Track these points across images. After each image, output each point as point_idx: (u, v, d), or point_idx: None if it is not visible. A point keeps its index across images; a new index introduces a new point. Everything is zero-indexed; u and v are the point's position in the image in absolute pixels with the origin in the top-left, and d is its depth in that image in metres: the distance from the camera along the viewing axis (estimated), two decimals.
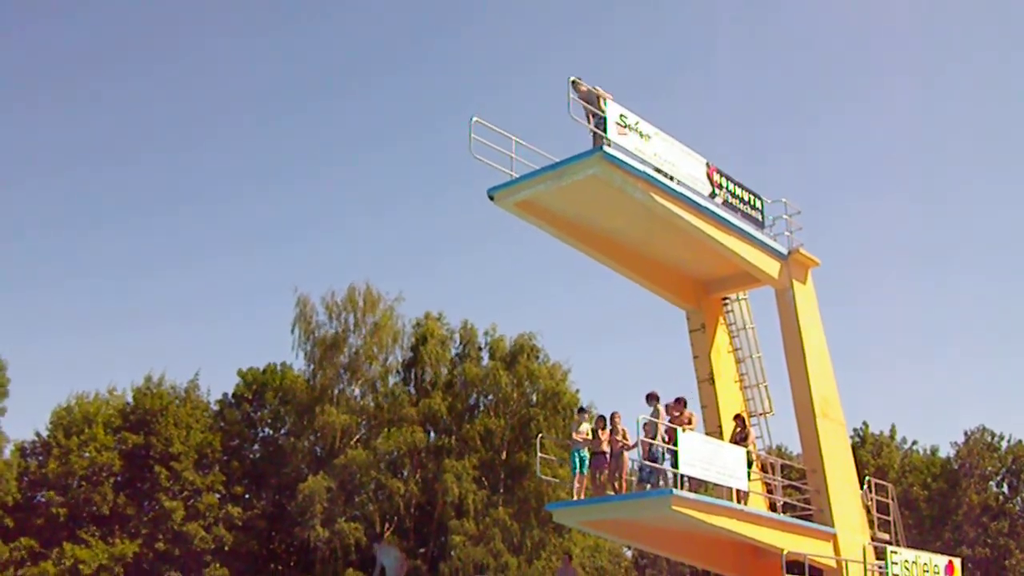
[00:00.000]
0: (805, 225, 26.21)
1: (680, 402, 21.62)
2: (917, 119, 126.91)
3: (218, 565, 56.17)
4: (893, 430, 67.27)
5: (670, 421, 20.83)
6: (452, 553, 53.23)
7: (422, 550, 56.84)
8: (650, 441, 20.61)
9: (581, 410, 24.81)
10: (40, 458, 58.29)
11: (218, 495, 58.76)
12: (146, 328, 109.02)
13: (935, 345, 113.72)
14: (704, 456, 20.60)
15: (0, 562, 52.66)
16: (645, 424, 20.67)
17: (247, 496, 61.40)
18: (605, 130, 20.66)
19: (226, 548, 57.12)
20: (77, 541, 54.06)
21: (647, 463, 20.70)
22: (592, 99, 21.19)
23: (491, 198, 22.14)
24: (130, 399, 60.76)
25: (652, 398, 21.36)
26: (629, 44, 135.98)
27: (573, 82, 21.16)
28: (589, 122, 21.09)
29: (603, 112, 20.86)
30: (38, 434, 59.47)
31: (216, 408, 63.25)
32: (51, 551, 53.68)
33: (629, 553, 67.57)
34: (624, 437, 21.72)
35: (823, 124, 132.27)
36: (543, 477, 28.13)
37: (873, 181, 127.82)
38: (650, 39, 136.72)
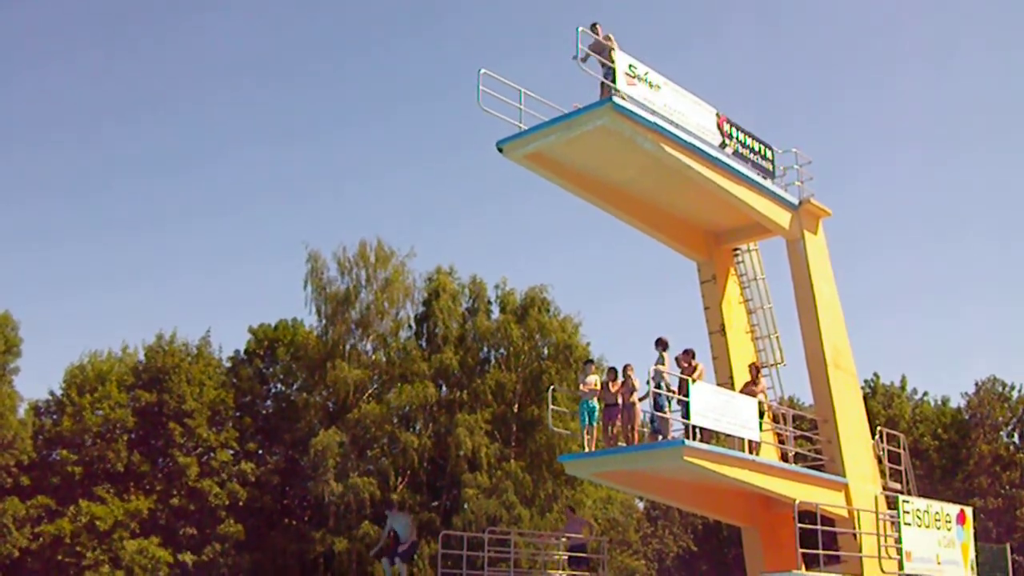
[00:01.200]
0: (819, 177, 26.09)
1: (689, 353, 21.58)
2: (937, 75, 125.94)
3: (232, 521, 56.60)
4: (904, 381, 67.31)
5: (680, 373, 20.81)
6: (465, 506, 53.53)
7: (435, 503, 57.14)
8: (659, 391, 20.61)
9: (588, 362, 24.85)
10: (54, 416, 58.69)
11: (231, 451, 59.16)
12: (157, 285, 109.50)
13: (945, 296, 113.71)
14: (716, 407, 20.60)
15: (17, 520, 53.14)
16: (655, 375, 20.67)
17: (260, 452, 61.79)
18: (614, 80, 20.52)
19: (240, 504, 57.56)
20: (92, 498, 54.54)
21: (659, 414, 20.72)
22: (602, 49, 21.03)
23: (500, 150, 22.06)
24: (142, 357, 61.05)
25: (660, 344, 21.33)
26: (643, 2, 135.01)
27: (593, 26, 21.09)
28: (601, 59, 20.86)
29: (612, 63, 20.74)
30: (52, 393, 59.91)
31: (228, 365, 63.52)
32: (67, 508, 54.18)
33: (641, 505, 67.89)
34: (635, 388, 21.73)
35: (841, 81, 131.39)
36: (555, 429, 28.09)
37: (888, 137, 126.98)
38: None
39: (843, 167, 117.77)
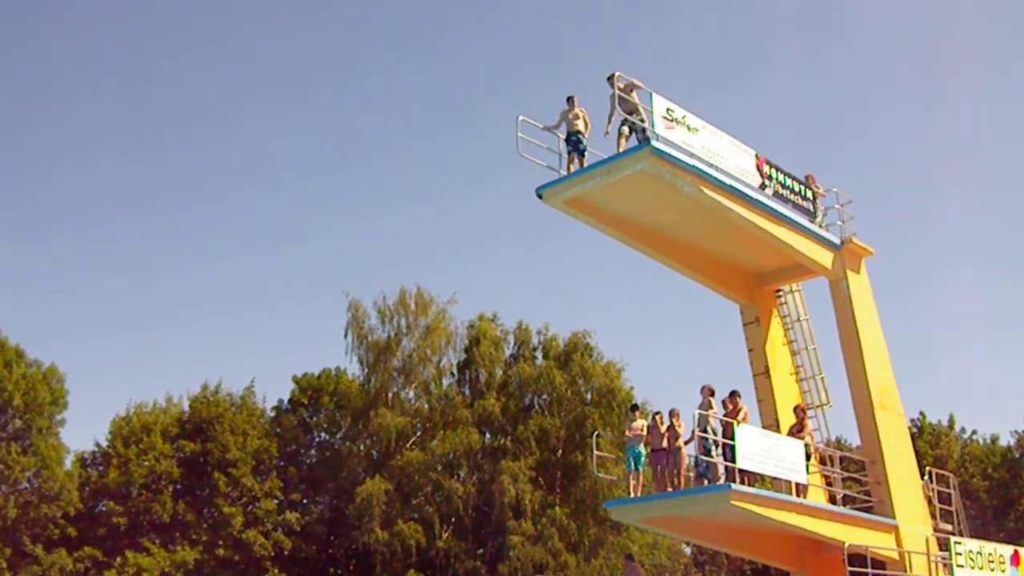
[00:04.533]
0: (863, 216, 25.96)
1: (734, 395, 21.47)
2: (983, 110, 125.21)
3: (278, 571, 56.59)
4: (952, 420, 66.42)
5: (724, 415, 20.68)
6: (511, 553, 53.22)
7: (480, 551, 56.87)
8: (706, 435, 20.48)
9: (634, 407, 24.71)
10: (100, 468, 59.07)
11: (276, 501, 59.19)
12: (201, 335, 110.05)
13: (993, 333, 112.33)
14: (762, 450, 20.43)
15: (65, 572, 53.36)
16: (701, 418, 20.55)
17: (305, 501, 61.82)
18: (652, 124, 20.57)
19: (285, 554, 57.55)
20: (139, 549, 54.65)
21: (704, 458, 20.57)
22: (630, 93, 21.27)
23: (540, 196, 22.07)
24: (187, 407, 61.40)
25: (706, 390, 21.23)
26: (683, 40, 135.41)
27: (610, 77, 21.38)
28: (627, 110, 21.14)
29: (633, 100, 21.16)
30: (98, 444, 60.34)
31: (272, 414, 63.76)
32: (114, 560, 54.31)
33: (688, 550, 67.24)
34: (681, 432, 21.60)
35: (884, 117, 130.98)
36: (599, 475, 27.99)
37: (934, 174, 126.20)
38: (705, 34, 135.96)
39: (889, 205, 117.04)
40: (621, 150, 21.13)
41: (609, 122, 21.35)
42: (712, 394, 21.26)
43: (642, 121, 20.98)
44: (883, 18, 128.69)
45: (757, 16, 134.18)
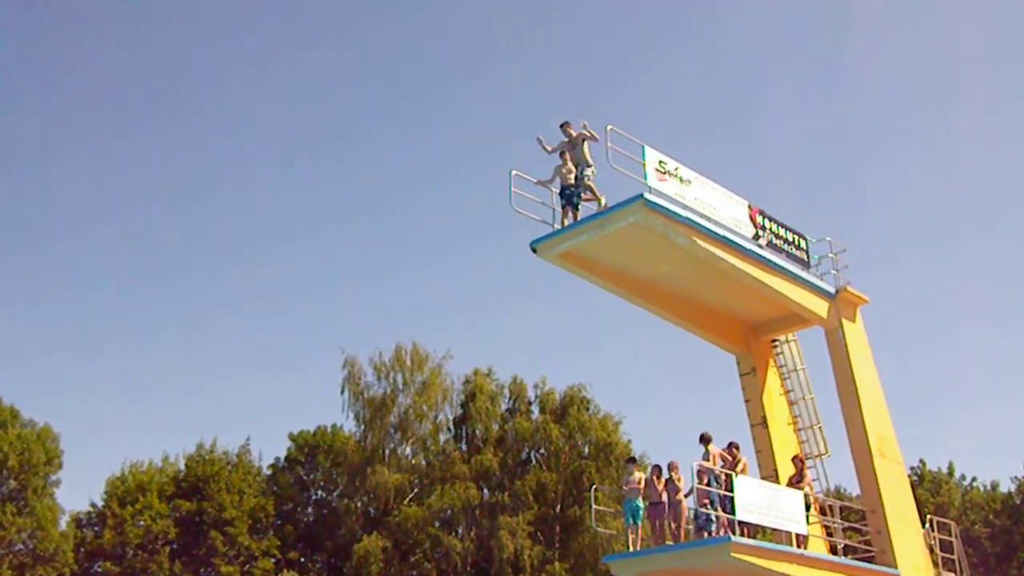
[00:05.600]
0: (862, 264, 26.01)
1: (732, 446, 21.40)
2: (982, 156, 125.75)
3: None
4: (951, 467, 66.32)
5: (723, 466, 20.60)
6: None
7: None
8: (706, 488, 20.38)
9: (631, 460, 24.60)
10: (96, 528, 58.75)
11: (273, 559, 58.84)
12: (194, 393, 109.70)
13: (993, 380, 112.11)
14: (761, 501, 20.34)
15: None
16: (699, 470, 20.47)
17: (302, 560, 61.45)
18: (645, 177, 20.67)
19: None
20: None
21: (703, 510, 20.47)
22: (581, 143, 22.15)
23: (534, 250, 22.14)
24: (183, 466, 61.18)
25: (704, 439, 21.16)
26: (673, 90, 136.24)
27: (563, 125, 22.23)
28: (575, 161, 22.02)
29: (581, 152, 21.93)
30: (93, 504, 60.02)
31: (268, 472, 63.56)
32: None
33: None
34: (680, 484, 21.50)
35: (877, 166, 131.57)
36: (598, 529, 27.82)
37: (933, 222, 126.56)
38: (697, 84, 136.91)
39: (888, 253, 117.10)
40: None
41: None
42: (709, 442, 21.18)
43: (583, 174, 21.87)
44: (882, 64, 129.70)
45: (751, 64, 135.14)
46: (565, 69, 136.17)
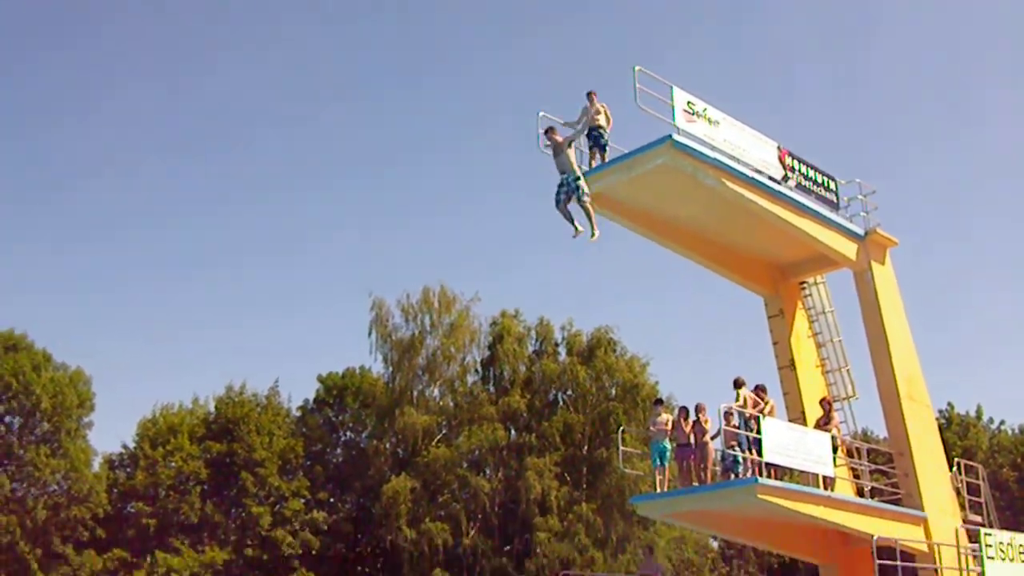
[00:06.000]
0: (884, 204, 25.80)
1: (760, 389, 21.40)
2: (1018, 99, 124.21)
3: (305, 570, 56.76)
4: (979, 410, 66.05)
5: (751, 409, 20.61)
6: (537, 550, 53.19)
7: (507, 548, 56.87)
8: (734, 430, 20.40)
9: (659, 402, 24.66)
10: (128, 469, 59.43)
11: (303, 500, 59.38)
12: (224, 335, 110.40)
13: (1022, 325, 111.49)
14: (788, 443, 20.35)
15: (94, 573, 53.69)
16: (727, 412, 20.47)
17: (332, 500, 62.02)
18: (673, 117, 20.52)
19: (313, 553, 57.71)
20: (168, 550, 54.92)
21: (730, 452, 20.51)
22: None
23: None
24: (212, 408, 61.68)
25: (737, 384, 21.17)
26: (708, 52, 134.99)
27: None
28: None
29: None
30: (125, 446, 60.70)
31: (298, 414, 63.99)
32: (143, 561, 54.63)
33: (715, 544, 67.07)
34: (707, 427, 21.54)
35: (907, 112, 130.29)
36: (625, 470, 27.92)
37: (965, 169, 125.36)
38: (731, 46, 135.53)
39: (915, 194, 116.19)
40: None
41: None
42: (741, 386, 21.19)
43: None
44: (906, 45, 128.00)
45: (781, 29, 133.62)
46: (600, 25, 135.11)
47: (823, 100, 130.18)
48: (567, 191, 19.52)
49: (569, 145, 19.67)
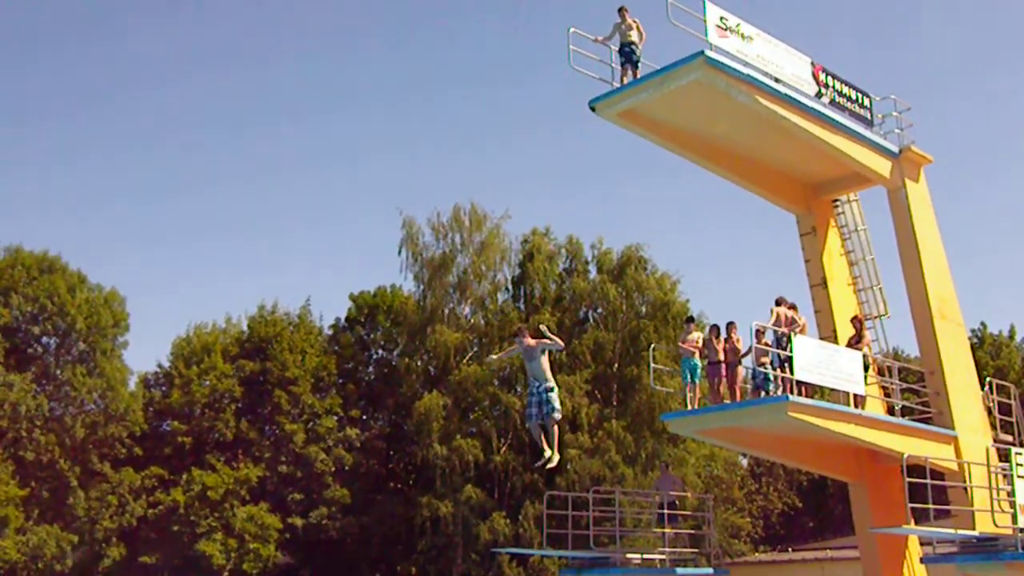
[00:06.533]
0: (918, 120, 25.48)
1: (792, 307, 21.36)
2: None
3: (339, 486, 57.43)
4: (1012, 330, 65.80)
5: (782, 327, 20.59)
6: (568, 467, 53.61)
7: (538, 464, 57.33)
8: (765, 347, 20.39)
9: (689, 320, 24.68)
10: (163, 388, 60.10)
11: (336, 417, 59.95)
12: (256, 254, 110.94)
13: None
14: (819, 361, 20.34)
15: (133, 490, 54.58)
16: (758, 330, 20.46)
17: (364, 418, 62.67)
18: (706, 33, 20.28)
19: (346, 469, 58.38)
20: (204, 467, 55.70)
21: (761, 370, 20.52)
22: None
23: (593, 109, 21.90)
24: (245, 327, 62.15)
25: (777, 302, 21.17)
26: None
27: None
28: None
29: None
30: (160, 365, 61.30)
31: (330, 332, 64.40)
32: (180, 478, 55.45)
33: (745, 461, 67.48)
34: (739, 345, 21.55)
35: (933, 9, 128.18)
36: (656, 387, 28.03)
37: (990, 65, 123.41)
38: None
39: (945, 101, 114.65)
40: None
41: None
42: (779, 304, 21.19)
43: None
44: None
45: None
46: None
47: (859, 21, 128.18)
48: (538, 404, 17.45)
49: (543, 352, 17.40)
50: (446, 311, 59.21)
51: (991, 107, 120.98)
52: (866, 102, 24.36)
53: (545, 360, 17.32)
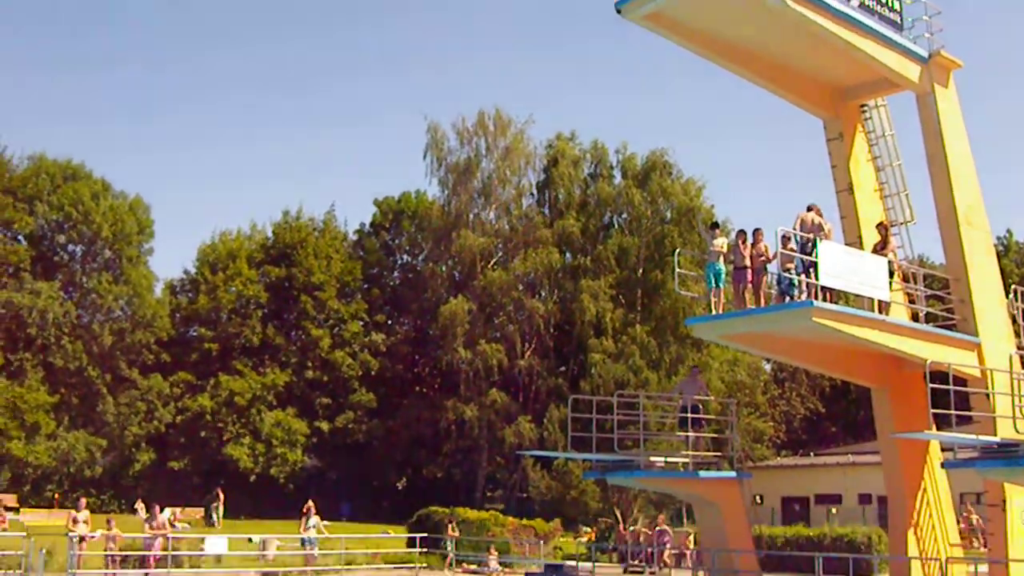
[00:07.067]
0: (948, 25, 25.08)
1: (818, 214, 21.25)
2: None
3: (364, 390, 58.06)
4: None
5: (808, 232, 20.51)
6: (592, 371, 53.97)
7: (562, 369, 57.76)
8: (791, 253, 20.34)
9: (714, 225, 24.57)
10: (190, 295, 60.56)
11: (362, 322, 60.42)
12: (280, 159, 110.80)
13: None
14: (845, 267, 20.26)
15: (162, 396, 55.26)
16: (784, 235, 20.39)
17: (389, 323, 63.10)
18: None
19: (372, 373, 58.94)
20: (231, 372, 56.32)
21: (786, 275, 20.48)
22: None
23: (619, 11, 21.62)
24: (270, 234, 62.36)
25: (809, 209, 21.08)
26: None
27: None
28: None
29: None
30: (186, 271, 61.74)
31: (355, 238, 64.58)
32: (207, 383, 56.10)
33: (768, 367, 67.71)
34: (766, 251, 21.48)
35: None
36: (680, 292, 28.04)
37: None
38: None
39: (972, 6, 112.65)
40: None
41: None
42: (809, 210, 21.09)
43: None
44: None
45: None
46: None
47: None
48: None
49: None
50: (471, 216, 59.28)
51: (1022, 13, 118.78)
52: (896, 5, 23.93)
53: None
